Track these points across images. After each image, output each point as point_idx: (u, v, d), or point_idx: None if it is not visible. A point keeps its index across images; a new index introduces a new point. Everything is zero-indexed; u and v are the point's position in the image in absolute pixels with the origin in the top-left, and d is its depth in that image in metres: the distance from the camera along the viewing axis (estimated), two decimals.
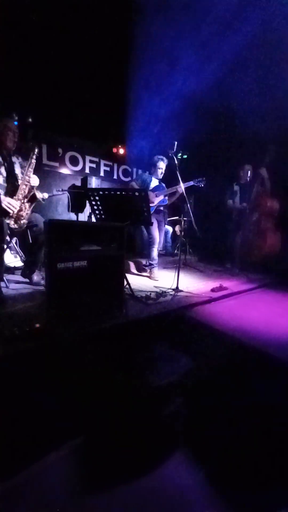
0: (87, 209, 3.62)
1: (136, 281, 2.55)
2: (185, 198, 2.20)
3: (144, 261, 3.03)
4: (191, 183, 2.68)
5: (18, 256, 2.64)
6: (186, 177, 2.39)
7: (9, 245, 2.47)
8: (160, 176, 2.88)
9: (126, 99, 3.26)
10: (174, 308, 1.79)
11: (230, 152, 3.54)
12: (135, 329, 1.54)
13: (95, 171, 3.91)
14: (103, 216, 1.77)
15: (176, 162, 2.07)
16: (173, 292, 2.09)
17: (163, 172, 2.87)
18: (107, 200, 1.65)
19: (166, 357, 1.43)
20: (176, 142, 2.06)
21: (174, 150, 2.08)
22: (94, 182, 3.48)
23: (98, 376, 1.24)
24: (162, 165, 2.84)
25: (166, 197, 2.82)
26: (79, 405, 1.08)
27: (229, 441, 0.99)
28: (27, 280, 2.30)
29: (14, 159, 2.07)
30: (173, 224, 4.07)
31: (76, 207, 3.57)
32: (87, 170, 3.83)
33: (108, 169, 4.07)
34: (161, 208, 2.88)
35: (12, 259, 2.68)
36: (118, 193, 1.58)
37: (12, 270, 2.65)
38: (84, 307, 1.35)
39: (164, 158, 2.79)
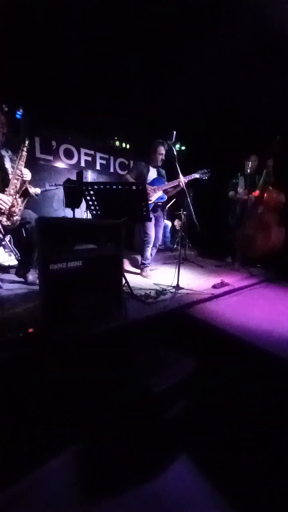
0: (84, 204, 3.51)
1: (134, 279, 2.48)
2: (185, 192, 2.09)
3: (138, 258, 2.94)
4: (195, 175, 2.44)
5: (12, 254, 2.55)
6: (186, 170, 2.26)
7: (3, 243, 2.38)
8: (160, 163, 2.61)
9: (122, 87, 3.09)
10: (175, 307, 1.72)
11: (233, 141, 3.40)
12: (135, 330, 1.48)
13: (91, 165, 3.78)
14: (99, 212, 1.67)
15: (175, 153, 1.95)
16: (173, 290, 2.02)
17: (163, 158, 2.57)
18: (103, 195, 1.55)
19: (168, 358, 1.37)
20: (175, 132, 1.94)
21: (173, 139, 1.95)
22: (90, 176, 3.37)
23: (98, 380, 1.19)
24: (162, 150, 2.54)
25: (165, 193, 2.60)
26: (79, 410, 1.04)
27: (231, 444, 0.95)
28: (22, 279, 2.23)
29: (3, 152, 1.95)
30: (172, 218, 3.97)
31: (72, 202, 3.45)
32: (82, 164, 3.69)
33: (104, 162, 3.94)
34: (159, 203, 2.68)
35: (7, 257, 2.59)
36: (114, 187, 1.48)
37: (7, 269, 2.57)
38: (81, 310, 1.28)
39: (164, 143, 2.48)
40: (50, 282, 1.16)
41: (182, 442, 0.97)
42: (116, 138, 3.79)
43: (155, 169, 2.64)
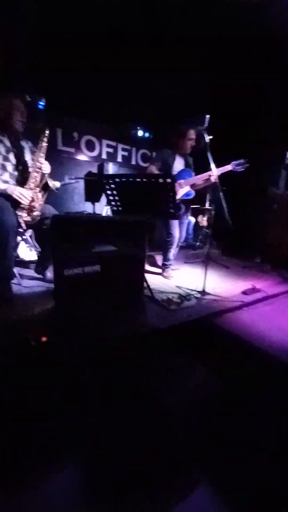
0: (105, 198, 3.40)
1: (155, 280, 2.33)
2: (216, 186, 1.85)
3: (157, 257, 2.75)
4: (229, 167, 2.04)
5: (33, 249, 2.53)
6: (217, 160, 1.97)
7: (24, 237, 2.35)
8: (189, 151, 2.25)
9: (145, 71, 2.86)
10: (201, 316, 1.55)
11: (276, 128, 3.00)
12: (156, 340, 1.34)
13: (112, 156, 3.64)
14: (120, 208, 1.53)
15: (207, 140, 1.70)
16: (198, 295, 1.84)
17: (193, 144, 2.20)
18: (124, 189, 1.40)
19: (190, 374, 1.22)
20: (208, 116, 1.70)
21: (206, 125, 1.71)
22: (111, 169, 3.23)
23: (113, 392, 1.08)
24: (192, 135, 2.17)
25: (192, 188, 2.26)
26: (89, 422, 0.93)
27: (256, 469, 0.81)
28: (41, 276, 2.19)
29: (23, 143, 1.87)
30: (195, 213, 3.72)
31: (92, 196, 3.37)
32: (103, 156, 3.56)
33: (126, 153, 3.77)
34: (185, 200, 2.35)
35: (28, 252, 2.58)
36: (138, 180, 1.31)
37: (27, 264, 2.56)
38: (98, 318, 1.16)
39: (195, 127, 2.11)
40: (64, 288, 1.04)
41: (201, 464, 0.83)
42: (138, 127, 3.59)
43: (182, 158, 2.31)
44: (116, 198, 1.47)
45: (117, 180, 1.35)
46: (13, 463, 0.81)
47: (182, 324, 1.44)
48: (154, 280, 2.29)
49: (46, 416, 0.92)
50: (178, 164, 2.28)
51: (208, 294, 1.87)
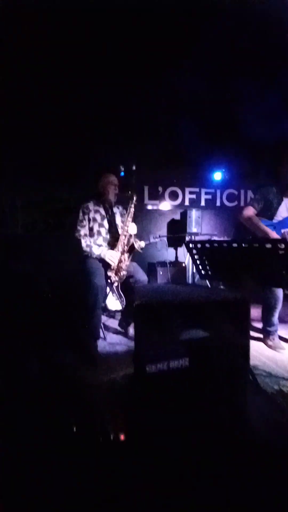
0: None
1: (256, 349, 1.79)
2: None
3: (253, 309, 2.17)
4: None
5: (119, 300, 2.65)
6: None
7: (111, 288, 2.51)
8: None
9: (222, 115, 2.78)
10: None
11: None
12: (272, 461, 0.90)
13: (195, 202, 3.60)
14: (209, 273, 1.30)
15: None
16: None
17: None
18: (216, 255, 1.19)
19: None
20: None
21: None
22: (194, 215, 3.14)
23: None
24: None
25: None
26: None
27: None
28: (123, 331, 2.19)
29: (115, 209, 2.09)
30: None
31: (175, 244, 3.35)
32: (186, 203, 3.58)
33: (209, 197, 3.65)
34: None
35: (113, 302, 2.73)
36: (235, 245, 1.06)
37: (113, 313, 2.68)
38: (185, 425, 0.90)
39: None
40: (146, 389, 0.87)
41: None
42: (223, 170, 3.45)
43: None
44: (206, 263, 1.27)
45: (207, 245, 1.17)
46: None
47: None
48: (254, 350, 1.76)
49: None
50: (284, 208, 1.80)
51: None
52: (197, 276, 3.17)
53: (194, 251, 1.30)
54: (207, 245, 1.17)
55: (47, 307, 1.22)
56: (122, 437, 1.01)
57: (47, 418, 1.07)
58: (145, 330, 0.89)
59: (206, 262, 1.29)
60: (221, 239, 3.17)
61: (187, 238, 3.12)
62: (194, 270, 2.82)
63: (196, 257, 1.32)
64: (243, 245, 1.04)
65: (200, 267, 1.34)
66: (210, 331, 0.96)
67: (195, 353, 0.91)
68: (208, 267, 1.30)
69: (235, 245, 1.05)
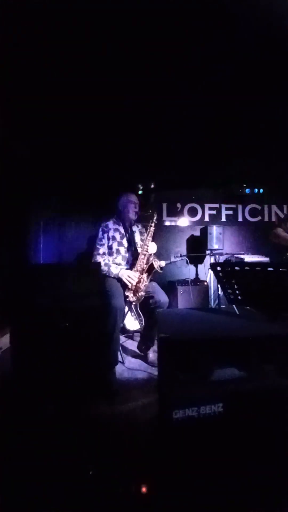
0: (208, 260, 3.16)
1: None
2: None
3: None
4: None
5: (137, 320, 2.55)
6: None
7: (130, 307, 2.43)
8: None
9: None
10: None
11: None
12: None
13: (215, 218, 3.50)
14: (239, 297, 1.18)
15: None
16: None
17: None
18: (249, 278, 1.08)
19: None
20: None
21: None
22: (215, 231, 3.03)
23: None
24: None
25: None
26: None
27: None
28: (142, 354, 2.07)
29: (134, 228, 2.06)
30: None
31: (195, 261, 3.23)
32: (206, 219, 3.49)
33: (231, 212, 3.53)
34: None
35: (132, 321, 2.63)
36: (271, 269, 0.94)
37: (131, 333, 2.57)
38: (216, 487, 0.76)
39: None
40: (171, 437, 0.75)
41: None
42: (245, 185, 3.34)
43: None
44: (235, 286, 1.15)
45: (237, 268, 1.06)
46: None
47: None
48: None
49: None
50: None
51: None
52: (220, 294, 2.99)
53: (221, 274, 1.19)
54: (237, 268, 1.06)
55: (64, 338, 1.16)
56: (143, 490, 0.88)
57: (61, 462, 0.97)
58: (172, 367, 0.79)
59: (236, 286, 1.17)
60: (244, 255, 3.00)
61: (211, 258, 2.99)
62: (220, 292, 2.65)
63: (223, 280, 1.21)
64: (280, 269, 0.92)
65: (229, 291, 1.22)
66: (249, 371, 0.83)
67: (229, 397, 0.78)
68: (237, 291, 1.18)
69: (271, 269, 0.93)
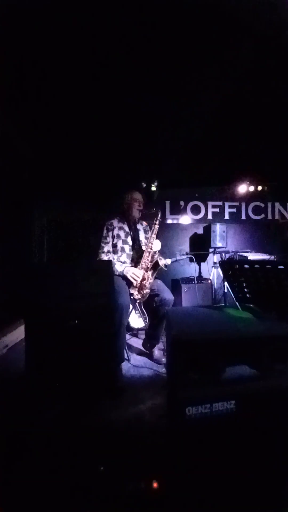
0: (212, 258, 3.15)
1: None
2: None
3: None
4: None
5: (141, 317, 2.55)
6: None
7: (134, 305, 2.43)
8: None
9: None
10: None
11: None
12: None
13: (218, 216, 3.49)
14: (248, 296, 1.18)
15: None
16: None
17: None
18: (257, 276, 1.07)
19: None
20: None
21: None
22: (218, 229, 3.02)
23: None
24: None
25: None
26: None
27: None
28: (148, 352, 2.07)
29: (138, 226, 2.06)
30: None
31: (198, 259, 3.23)
32: (209, 217, 3.48)
33: (234, 210, 3.51)
34: None
35: (136, 319, 2.63)
36: (282, 267, 0.94)
37: (135, 331, 2.58)
38: (233, 481, 0.76)
39: None
40: (184, 435, 0.76)
41: None
42: (248, 182, 3.32)
43: None
44: (243, 285, 1.15)
45: (246, 266, 1.06)
46: None
47: None
48: None
49: None
50: None
51: None
52: (221, 292, 2.98)
53: (230, 272, 1.19)
54: (246, 266, 1.06)
55: (72, 335, 1.16)
56: (154, 486, 0.89)
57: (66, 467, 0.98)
58: (184, 365, 0.79)
59: (244, 284, 1.17)
60: (248, 253, 2.99)
61: (214, 256, 2.99)
62: (225, 290, 2.64)
63: (232, 278, 1.21)
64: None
65: (237, 289, 1.22)
66: (260, 370, 0.83)
67: (241, 396, 0.78)
68: (246, 290, 1.18)
69: (282, 267, 0.93)
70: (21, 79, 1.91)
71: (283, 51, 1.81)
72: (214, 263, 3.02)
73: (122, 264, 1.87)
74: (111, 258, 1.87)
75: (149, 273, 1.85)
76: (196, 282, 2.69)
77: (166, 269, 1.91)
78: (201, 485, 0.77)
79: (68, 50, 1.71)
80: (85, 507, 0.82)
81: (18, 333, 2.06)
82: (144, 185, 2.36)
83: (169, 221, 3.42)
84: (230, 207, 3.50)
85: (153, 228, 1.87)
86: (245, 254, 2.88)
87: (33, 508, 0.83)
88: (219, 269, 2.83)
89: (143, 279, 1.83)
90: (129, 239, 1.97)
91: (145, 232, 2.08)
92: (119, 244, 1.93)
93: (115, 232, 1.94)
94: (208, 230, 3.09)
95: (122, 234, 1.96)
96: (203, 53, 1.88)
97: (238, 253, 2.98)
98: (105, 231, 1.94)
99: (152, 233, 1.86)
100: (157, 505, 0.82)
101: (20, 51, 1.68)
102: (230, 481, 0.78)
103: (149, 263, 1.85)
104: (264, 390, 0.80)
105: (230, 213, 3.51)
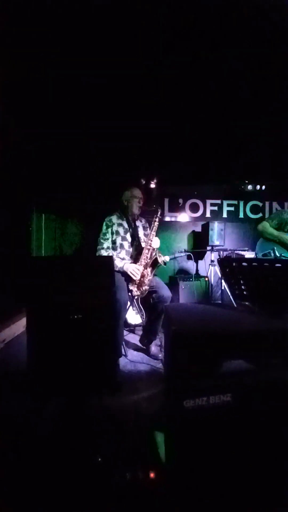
0: (209, 256, 3.18)
1: None
2: None
3: None
4: None
5: (139, 314, 2.57)
6: None
7: (132, 302, 2.45)
8: None
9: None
10: None
11: None
12: None
13: (216, 214, 3.51)
14: (245, 293, 1.20)
15: None
16: None
17: None
18: (255, 274, 1.10)
19: None
20: None
21: None
22: (216, 227, 3.04)
23: None
24: None
25: None
26: None
27: None
28: (145, 347, 2.10)
29: (137, 222, 2.06)
30: None
31: (196, 256, 3.25)
32: (207, 215, 3.50)
33: (232, 208, 3.54)
34: None
35: (134, 316, 2.65)
36: (280, 265, 0.97)
37: (132, 327, 2.61)
38: (230, 472, 0.79)
39: None
40: (183, 425, 0.78)
41: None
42: (247, 181, 3.34)
43: None
44: (241, 282, 1.17)
45: (244, 264, 1.08)
46: None
47: None
48: None
49: None
50: None
51: None
52: (218, 290, 3.02)
53: (228, 269, 1.21)
54: (244, 264, 1.08)
55: (72, 330, 1.18)
56: (151, 476, 0.92)
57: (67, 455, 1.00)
58: (183, 359, 0.81)
59: (242, 282, 1.19)
60: (245, 251, 3.02)
61: (212, 254, 3.01)
62: (223, 287, 2.67)
63: (229, 276, 1.23)
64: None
65: (235, 286, 1.24)
66: (257, 364, 0.86)
67: (238, 389, 0.80)
68: (243, 287, 1.20)
69: (279, 265, 0.96)
70: (21, 67, 1.87)
71: (283, 51, 1.82)
72: (212, 261, 3.05)
73: (121, 260, 1.88)
74: (110, 255, 1.88)
75: (148, 270, 1.87)
76: (193, 279, 2.72)
77: (165, 266, 1.92)
78: (199, 475, 0.80)
79: (68, 46, 1.69)
80: (83, 497, 0.85)
81: (16, 328, 2.06)
82: (144, 182, 2.36)
83: (167, 219, 3.43)
84: (228, 205, 3.53)
85: (153, 225, 1.88)
86: (242, 253, 2.92)
87: (31, 500, 0.84)
88: (217, 267, 2.87)
89: (143, 275, 1.85)
90: (128, 236, 1.98)
91: (144, 229, 2.09)
92: (118, 240, 1.93)
93: (115, 228, 1.94)
94: (206, 228, 3.11)
95: (121, 230, 1.96)
96: (202, 53, 1.87)
97: (236, 251, 3.01)
98: (104, 227, 1.94)
99: (152, 230, 1.87)
100: (155, 495, 0.85)
101: (19, 47, 1.65)
102: (228, 472, 0.81)
103: (148, 260, 1.86)
104: (260, 383, 0.82)
105: (228, 211, 3.54)
